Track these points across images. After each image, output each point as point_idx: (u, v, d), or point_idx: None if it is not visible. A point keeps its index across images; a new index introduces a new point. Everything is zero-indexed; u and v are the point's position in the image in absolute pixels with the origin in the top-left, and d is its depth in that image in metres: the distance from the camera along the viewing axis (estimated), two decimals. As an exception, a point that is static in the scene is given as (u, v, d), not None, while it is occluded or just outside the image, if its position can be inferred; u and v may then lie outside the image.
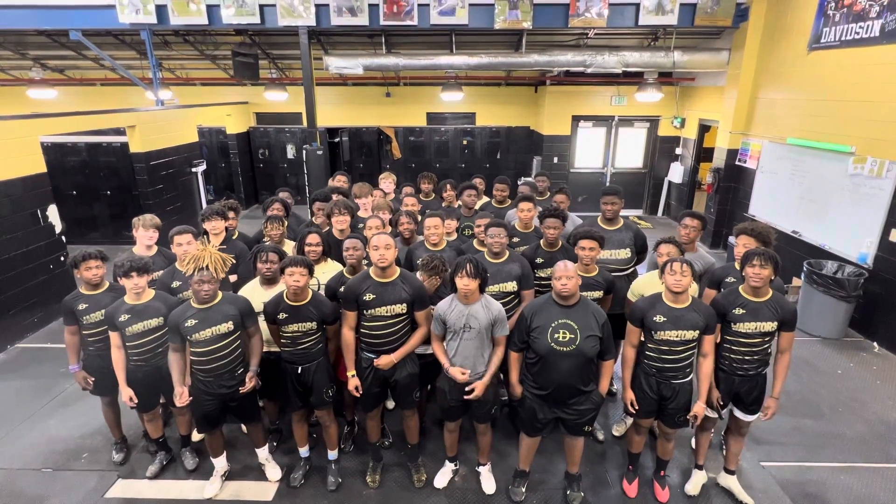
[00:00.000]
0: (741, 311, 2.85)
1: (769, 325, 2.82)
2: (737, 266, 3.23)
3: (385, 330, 3.00)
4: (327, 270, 3.47)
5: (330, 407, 3.26)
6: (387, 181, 5.26)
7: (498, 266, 3.33)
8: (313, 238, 3.42)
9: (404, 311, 3.01)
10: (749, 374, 2.95)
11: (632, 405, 3.03)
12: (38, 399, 4.30)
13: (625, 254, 3.74)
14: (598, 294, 3.32)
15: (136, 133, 7.14)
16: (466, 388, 2.96)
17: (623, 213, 3.84)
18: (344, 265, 3.41)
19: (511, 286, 3.33)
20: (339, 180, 5.19)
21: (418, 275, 3.22)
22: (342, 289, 3.09)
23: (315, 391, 3.14)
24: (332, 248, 3.62)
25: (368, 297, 2.94)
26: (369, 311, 2.96)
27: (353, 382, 3.08)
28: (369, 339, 3.03)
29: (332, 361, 3.27)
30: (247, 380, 3.04)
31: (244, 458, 3.58)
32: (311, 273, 2.99)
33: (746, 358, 2.91)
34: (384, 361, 3.00)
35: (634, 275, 3.76)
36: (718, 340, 2.97)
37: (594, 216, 3.97)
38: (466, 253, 3.36)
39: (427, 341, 3.13)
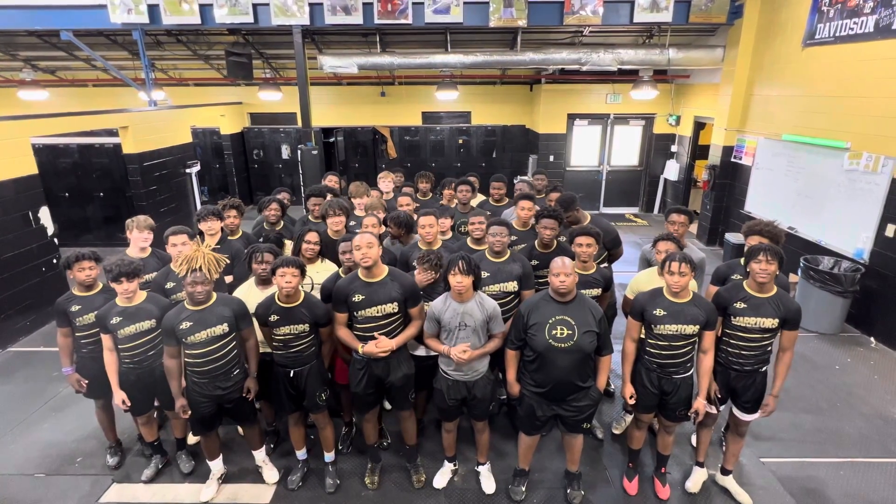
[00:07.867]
0: (742, 304, 2.83)
1: (769, 322, 2.80)
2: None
3: (378, 331, 2.96)
4: (321, 270, 3.43)
5: (324, 410, 3.22)
6: (385, 181, 5.19)
7: (499, 265, 3.29)
8: (312, 236, 3.39)
9: (396, 311, 2.96)
10: (745, 369, 2.93)
11: (631, 399, 3.02)
12: (31, 403, 4.24)
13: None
14: (596, 291, 3.31)
15: (129, 134, 7.08)
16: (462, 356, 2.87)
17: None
18: (339, 265, 3.37)
19: (512, 286, 3.28)
20: (331, 180, 5.13)
21: (415, 272, 3.19)
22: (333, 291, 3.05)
23: (308, 395, 3.10)
24: (327, 249, 3.59)
25: (357, 298, 2.89)
26: (359, 313, 2.92)
27: (378, 346, 2.88)
28: (362, 340, 2.98)
29: (326, 364, 3.22)
30: (247, 385, 3.04)
31: (241, 461, 3.54)
32: (303, 274, 2.95)
33: (743, 353, 2.90)
34: (384, 344, 2.89)
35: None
36: (719, 334, 2.96)
37: (592, 213, 3.94)
38: (460, 251, 3.24)
39: (419, 339, 3.10)
